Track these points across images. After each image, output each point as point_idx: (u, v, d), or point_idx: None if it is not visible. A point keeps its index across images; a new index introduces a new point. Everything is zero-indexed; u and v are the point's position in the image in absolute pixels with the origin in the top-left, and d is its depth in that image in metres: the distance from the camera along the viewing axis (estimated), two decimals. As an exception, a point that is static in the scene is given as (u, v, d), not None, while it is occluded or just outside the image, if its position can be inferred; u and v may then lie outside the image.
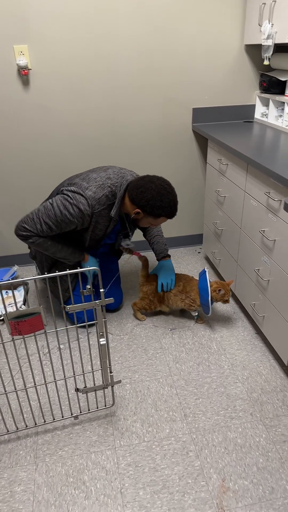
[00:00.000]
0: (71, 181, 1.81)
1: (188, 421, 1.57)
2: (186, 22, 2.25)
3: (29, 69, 2.17)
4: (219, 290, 1.94)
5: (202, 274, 1.98)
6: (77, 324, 1.91)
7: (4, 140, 2.32)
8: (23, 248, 2.68)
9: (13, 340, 1.29)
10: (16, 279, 2.51)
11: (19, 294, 2.38)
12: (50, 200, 1.74)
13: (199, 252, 2.85)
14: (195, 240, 2.92)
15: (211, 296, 1.93)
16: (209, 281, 1.94)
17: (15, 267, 2.52)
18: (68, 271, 1.26)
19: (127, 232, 2.02)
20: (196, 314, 2.08)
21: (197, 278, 2.26)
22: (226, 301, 1.98)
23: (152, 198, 1.68)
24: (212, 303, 1.96)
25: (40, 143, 2.38)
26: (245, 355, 1.89)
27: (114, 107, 2.37)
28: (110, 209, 1.78)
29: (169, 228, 2.84)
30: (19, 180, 2.45)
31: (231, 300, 2.29)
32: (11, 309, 2.21)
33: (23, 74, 2.16)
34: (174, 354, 1.92)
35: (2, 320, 2.15)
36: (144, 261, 2.08)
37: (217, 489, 1.33)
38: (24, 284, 2.43)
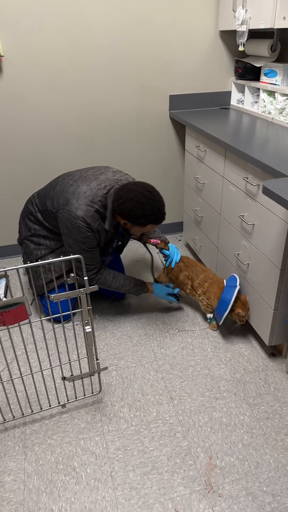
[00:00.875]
0: (63, 193, 1.75)
1: (174, 404, 1.60)
2: (161, 8, 2.23)
3: (1, 56, 2.11)
4: (238, 313, 1.79)
5: (231, 286, 1.82)
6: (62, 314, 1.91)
7: (-22, 130, 2.27)
8: (6, 239, 2.63)
9: (-3, 331, 1.28)
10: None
11: (0, 286, 2.35)
12: (65, 244, 1.78)
13: (179, 240, 2.87)
14: (176, 228, 2.94)
15: (229, 314, 1.82)
16: (238, 287, 1.81)
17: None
18: (50, 260, 1.26)
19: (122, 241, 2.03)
20: (212, 317, 1.98)
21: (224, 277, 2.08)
22: (241, 321, 1.83)
23: (132, 209, 1.63)
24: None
25: (13, 132, 2.33)
26: (228, 338, 1.94)
27: (91, 96, 2.34)
28: (104, 221, 1.75)
29: (149, 216, 2.84)
30: (-5, 171, 2.40)
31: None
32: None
33: (-5, 61, 2.10)
34: (159, 340, 1.94)
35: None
36: (164, 245, 2.04)
37: (204, 467, 1.38)
38: (5, 276, 2.39)
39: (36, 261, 1.94)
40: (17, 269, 1.19)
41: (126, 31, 2.24)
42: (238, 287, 1.79)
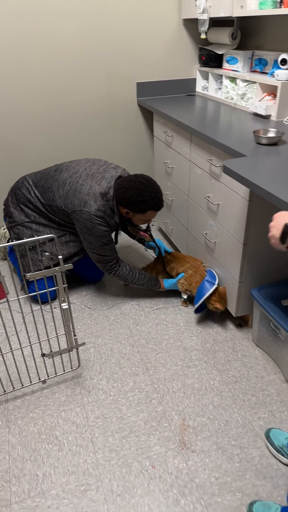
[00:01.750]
0: (76, 193, 1.82)
1: (149, 374, 1.71)
2: (125, -4, 2.28)
3: None
4: (216, 306, 1.87)
5: (210, 282, 1.89)
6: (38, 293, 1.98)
7: None
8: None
9: (-24, 310, 1.33)
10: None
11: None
12: (84, 242, 1.89)
13: (152, 225, 2.96)
14: (148, 213, 3.02)
15: (204, 303, 1.90)
16: (216, 285, 1.87)
17: None
18: (32, 238, 1.32)
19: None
20: (185, 297, 2.08)
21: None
22: (217, 310, 1.90)
23: (132, 196, 1.76)
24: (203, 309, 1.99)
25: (-15, 121, 2.34)
26: (199, 313, 2.05)
27: (58, 85, 2.37)
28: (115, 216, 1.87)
29: (122, 202, 2.92)
30: None
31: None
32: None
33: None
34: (134, 318, 2.04)
35: None
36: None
37: (178, 428, 1.49)
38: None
39: (33, 248, 1.98)
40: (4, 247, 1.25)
41: (91, 20, 2.28)
42: (216, 285, 1.87)
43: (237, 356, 1.78)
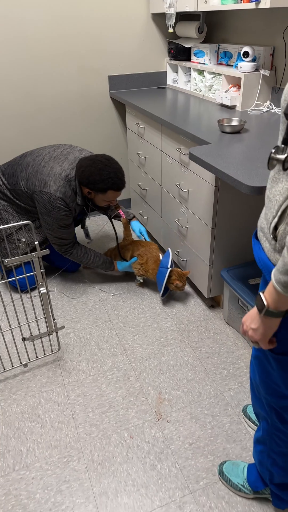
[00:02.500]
0: (37, 174, 1.84)
1: (127, 354, 1.79)
2: (94, -10, 2.33)
3: None
4: (176, 284, 1.97)
5: (164, 267, 1.97)
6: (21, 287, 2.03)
7: None
8: None
9: None
10: None
11: None
12: (43, 222, 1.91)
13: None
14: (124, 205, 3.10)
15: (166, 285, 2.00)
16: (169, 269, 1.95)
17: None
18: (8, 225, 1.37)
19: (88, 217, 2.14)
20: (140, 280, 2.18)
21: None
22: (179, 288, 2.01)
23: (91, 174, 1.75)
24: (166, 291, 2.08)
25: None
26: (174, 296, 2.15)
27: (29, 76, 2.41)
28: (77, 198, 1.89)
29: (98, 194, 2.98)
30: None
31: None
32: None
33: None
34: (112, 303, 2.12)
35: None
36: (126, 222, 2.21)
37: (155, 401, 1.58)
38: None
39: (6, 237, 2.03)
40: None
41: (61, 14, 2.32)
42: (169, 270, 1.95)
43: (209, 334, 1.89)
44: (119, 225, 2.84)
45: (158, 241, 2.46)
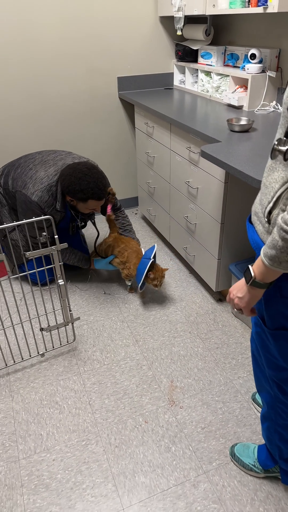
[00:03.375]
0: (22, 175, 1.87)
1: (139, 345, 1.86)
2: (104, -6, 2.40)
3: None
4: (153, 279, 2.00)
5: (146, 258, 1.99)
6: (41, 279, 2.09)
7: None
8: None
9: (-20, 287, 1.46)
10: None
11: None
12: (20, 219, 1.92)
13: (136, 213, 3.11)
14: (131, 202, 3.17)
15: (144, 280, 2.01)
16: (152, 260, 1.96)
17: None
18: (21, 222, 1.44)
19: (78, 223, 2.14)
20: (129, 284, 2.20)
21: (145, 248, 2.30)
22: (155, 286, 2.04)
23: (71, 183, 1.72)
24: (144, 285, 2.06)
25: (-28, 115, 2.43)
26: (182, 291, 2.22)
27: (40, 77, 2.48)
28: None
29: (106, 192, 3.05)
30: None
31: (167, 249, 2.60)
32: None
33: None
34: (122, 297, 2.19)
35: None
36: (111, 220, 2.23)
37: (167, 389, 1.65)
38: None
39: (3, 237, 2.10)
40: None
41: (71, 16, 2.39)
42: (151, 260, 1.95)
43: (218, 326, 1.96)
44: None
45: (166, 237, 2.54)
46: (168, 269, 2.13)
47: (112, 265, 2.17)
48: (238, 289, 0.93)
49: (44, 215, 1.83)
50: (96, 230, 2.22)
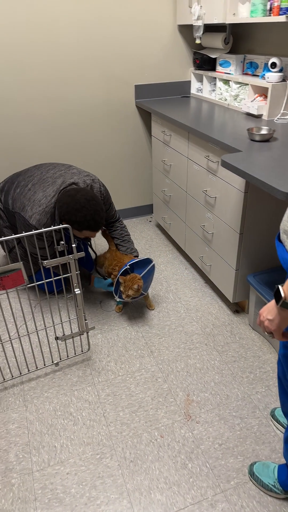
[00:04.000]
0: (20, 197, 1.86)
1: (154, 356, 1.83)
2: (122, 5, 2.41)
3: (-26, 49, 2.22)
4: (122, 285, 1.90)
5: (129, 262, 1.93)
6: (57, 288, 2.08)
7: None
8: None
9: (-3, 295, 1.45)
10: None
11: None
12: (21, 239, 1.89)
13: (150, 221, 3.09)
14: (146, 210, 3.15)
15: (117, 287, 1.94)
16: (127, 266, 1.90)
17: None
18: (41, 230, 1.43)
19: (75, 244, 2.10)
20: (118, 301, 2.11)
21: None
22: (127, 296, 1.90)
23: (68, 213, 1.69)
24: (119, 295, 1.96)
25: (-10, 123, 2.45)
26: (198, 301, 2.18)
27: (57, 84, 2.49)
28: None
29: (120, 200, 3.04)
30: (-28, 160, 2.51)
31: (182, 258, 2.57)
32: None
33: None
34: (136, 306, 2.16)
35: (-29, 294, 2.25)
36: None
37: (183, 403, 1.61)
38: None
39: (10, 250, 2.09)
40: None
41: (91, 26, 2.40)
42: (125, 266, 1.90)
43: (235, 339, 1.92)
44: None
45: (181, 246, 2.51)
46: (140, 284, 1.89)
47: (111, 287, 2.10)
48: (268, 310, 0.89)
49: (42, 237, 1.81)
50: (94, 252, 2.18)
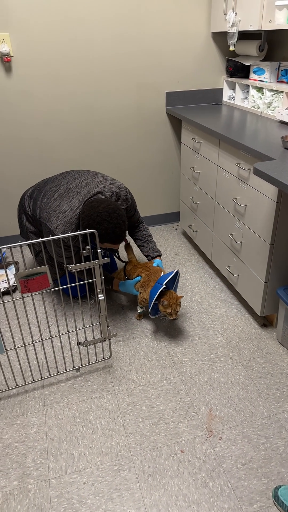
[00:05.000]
0: (47, 207, 1.87)
1: (177, 367, 1.79)
2: (156, 10, 2.42)
3: (11, 56, 2.28)
4: (167, 306, 1.84)
5: (159, 283, 1.86)
6: (80, 292, 2.08)
7: (-12, 125, 2.43)
8: (11, 229, 2.79)
9: (22, 298, 1.45)
10: (6, 259, 2.63)
11: (10, 272, 2.50)
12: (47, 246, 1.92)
13: (176, 229, 3.06)
14: (172, 217, 3.12)
15: (155, 305, 1.89)
16: (164, 286, 1.84)
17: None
18: (71, 234, 1.43)
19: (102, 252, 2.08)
20: (142, 310, 2.06)
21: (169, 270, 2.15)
22: (170, 315, 1.86)
23: (88, 225, 1.69)
24: (157, 312, 1.93)
25: (21, 128, 2.49)
26: (223, 312, 2.12)
27: (90, 92, 2.52)
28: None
29: (147, 206, 3.02)
30: (3, 164, 2.56)
31: (208, 267, 2.52)
32: (5, 285, 2.34)
33: (6, 61, 2.26)
34: (160, 315, 2.12)
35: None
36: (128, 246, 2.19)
37: (206, 417, 1.56)
38: (15, 263, 2.55)
39: (37, 254, 2.11)
40: (20, 247, 1.36)
41: (124, 33, 2.42)
42: (162, 286, 1.82)
43: (261, 354, 1.84)
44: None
45: (207, 255, 2.46)
46: (183, 296, 1.94)
47: (136, 290, 2.05)
48: None
49: (67, 247, 1.81)
50: (121, 261, 2.16)
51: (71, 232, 1.79)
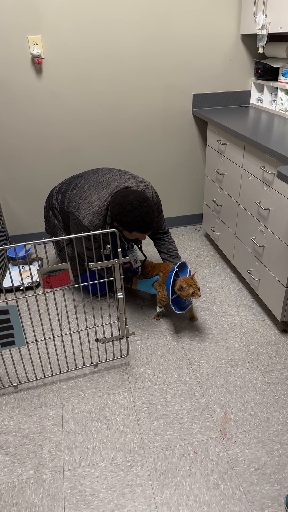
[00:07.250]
0: (76, 198, 1.92)
1: (193, 368, 1.79)
2: (186, 11, 2.42)
3: (42, 58, 2.34)
4: (181, 286, 1.83)
5: (170, 271, 1.89)
6: (100, 289, 2.12)
7: (19, 125, 2.50)
8: (37, 227, 2.87)
9: (44, 293, 1.49)
10: (31, 255, 2.71)
11: (34, 268, 2.57)
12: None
13: (199, 231, 3.05)
14: (195, 219, 3.12)
15: (177, 295, 1.89)
16: (175, 277, 1.86)
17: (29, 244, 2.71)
18: (88, 233, 1.46)
19: (126, 246, 2.12)
20: (160, 310, 2.08)
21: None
22: (194, 295, 1.83)
23: (119, 213, 1.72)
24: (183, 303, 1.94)
25: (50, 128, 2.56)
26: (243, 316, 2.11)
27: (118, 92, 2.55)
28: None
29: (170, 207, 3.04)
30: (32, 162, 2.64)
31: (229, 270, 2.51)
32: (29, 280, 2.41)
33: (37, 62, 2.33)
34: (178, 316, 2.13)
35: (22, 290, 2.35)
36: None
37: (220, 420, 1.56)
38: (39, 259, 2.62)
39: (60, 250, 2.15)
40: (44, 244, 1.40)
41: (152, 34, 2.44)
42: (174, 270, 1.85)
43: (280, 360, 1.82)
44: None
45: (229, 258, 2.45)
46: (195, 272, 1.88)
47: (154, 289, 2.06)
48: None
49: (93, 238, 1.82)
50: (143, 254, 2.18)
51: (98, 222, 1.83)
